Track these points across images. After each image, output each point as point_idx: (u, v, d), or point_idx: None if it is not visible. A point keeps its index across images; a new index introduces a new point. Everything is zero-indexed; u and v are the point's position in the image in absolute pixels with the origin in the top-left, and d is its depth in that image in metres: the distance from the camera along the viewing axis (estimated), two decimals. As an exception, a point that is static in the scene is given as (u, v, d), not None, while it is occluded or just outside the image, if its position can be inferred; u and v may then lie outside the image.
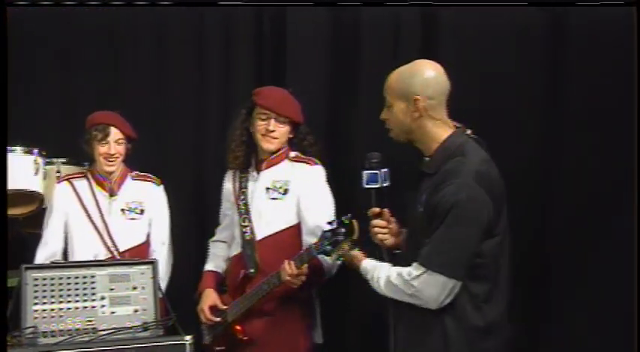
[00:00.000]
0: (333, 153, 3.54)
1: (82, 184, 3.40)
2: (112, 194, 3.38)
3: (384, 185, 2.52)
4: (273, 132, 3.13)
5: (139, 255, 3.26)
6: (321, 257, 2.84)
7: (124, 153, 3.37)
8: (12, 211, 3.49)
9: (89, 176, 3.43)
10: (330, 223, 2.73)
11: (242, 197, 3.23)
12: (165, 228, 3.46)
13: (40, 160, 3.51)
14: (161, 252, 3.40)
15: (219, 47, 3.98)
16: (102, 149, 3.31)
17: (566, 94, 3.28)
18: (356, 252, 2.57)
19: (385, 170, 2.53)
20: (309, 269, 2.92)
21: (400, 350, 2.43)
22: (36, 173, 3.48)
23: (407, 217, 2.47)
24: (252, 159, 3.25)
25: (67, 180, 3.43)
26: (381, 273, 2.40)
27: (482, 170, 2.29)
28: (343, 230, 2.67)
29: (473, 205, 2.23)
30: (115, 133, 3.31)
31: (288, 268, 2.90)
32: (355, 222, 2.67)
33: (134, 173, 3.46)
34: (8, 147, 3.37)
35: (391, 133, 2.45)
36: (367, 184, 2.53)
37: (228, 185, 3.33)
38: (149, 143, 3.84)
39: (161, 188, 3.48)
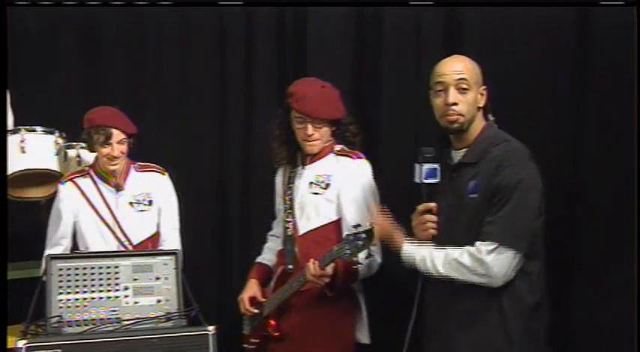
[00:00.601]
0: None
1: (86, 182, 3.31)
2: (118, 189, 3.30)
3: (433, 181, 2.53)
4: (312, 136, 3.04)
5: (153, 245, 3.26)
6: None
7: (127, 151, 3.28)
8: (31, 193, 3.48)
9: (92, 173, 3.33)
10: (355, 227, 2.71)
11: (289, 192, 3.17)
12: (175, 215, 3.41)
13: (61, 141, 3.46)
14: (174, 237, 3.37)
15: (240, 41, 3.91)
16: (104, 151, 3.21)
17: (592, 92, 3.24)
18: (398, 233, 2.55)
19: (433, 166, 2.53)
20: (342, 271, 2.87)
21: (450, 330, 2.44)
22: (57, 153, 3.44)
23: (440, 209, 2.51)
24: (299, 154, 3.17)
25: (70, 180, 3.33)
26: (435, 254, 2.41)
27: (530, 152, 2.41)
28: (364, 235, 2.65)
29: (535, 182, 2.35)
30: (116, 134, 3.20)
31: (312, 268, 2.86)
32: (376, 228, 2.64)
33: (137, 164, 3.37)
34: (22, 127, 3.35)
35: (456, 118, 2.44)
36: (426, 179, 2.52)
37: (279, 180, 3.26)
38: (169, 136, 3.84)
39: (166, 176, 3.40)
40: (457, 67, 2.44)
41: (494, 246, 2.31)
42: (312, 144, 3.06)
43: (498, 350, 2.35)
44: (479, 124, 2.49)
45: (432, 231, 2.52)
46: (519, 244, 2.32)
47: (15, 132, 3.40)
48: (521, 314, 2.36)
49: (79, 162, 3.50)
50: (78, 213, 3.29)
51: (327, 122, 3.05)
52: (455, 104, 2.42)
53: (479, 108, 2.47)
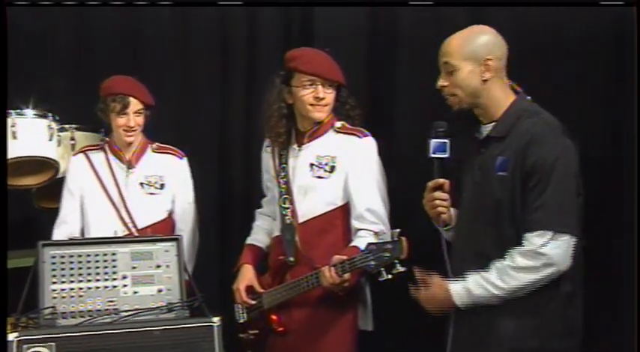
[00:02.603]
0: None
1: (98, 156, 3.23)
2: (130, 166, 3.21)
3: (445, 156, 2.41)
4: (324, 100, 2.86)
5: (159, 232, 3.06)
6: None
7: (143, 124, 3.19)
8: (24, 181, 3.32)
9: (106, 148, 3.25)
10: (377, 234, 2.60)
11: (282, 174, 2.97)
12: (191, 198, 3.30)
13: (54, 125, 3.30)
14: (189, 220, 3.26)
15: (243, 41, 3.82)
16: (120, 121, 3.13)
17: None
18: (436, 281, 2.34)
19: (444, 141, 2.41)
20: (354, 273, 2.71)
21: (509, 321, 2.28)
22: (50, 139, 3.27)
23: (466, 185, 2.39)
24: (293, 131, 2.98)
25: (82, 152, 3.26)
26: (484, 274, 2.26)
27: (563, 126, 2.29)
28: (391, 246, 2.50)
29: (571, 159, 2.24)
30: (134, 104, 3.12)
31: (329, 276, 2.68)
32: (405, 241, 2.50)
33: (155, 145, 3.28)
34: (13, 111, 3.19)
35: (452, 100, 2.38)
36: (434, 153, 2.41)
37: (268, 157, 3.07)
38: (171, 115, 3.70)
39: (184, 161, 3.30)
40: (443, 49, 2.37)
41: (549, 235, 2.19)
42: (321, 110, 2.89)
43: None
44: (505, 96, 2.36)
45: (441, 209, 2.41)
46: (572, 227, 2.21)
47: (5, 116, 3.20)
48: (577, 297, 2.29)
49: (74, 146, 3.36)
50: (84, 188, 3.18)
51: (334, 86, 2.90)
52: (443, 87, 2.38)
53: (484, 81, 2.32)
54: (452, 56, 2.33)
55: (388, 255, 2.51)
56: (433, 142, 2.41)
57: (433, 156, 2.40)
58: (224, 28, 3.83)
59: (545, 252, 2.19)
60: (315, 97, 2.85)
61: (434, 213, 2.42)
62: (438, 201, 2.41)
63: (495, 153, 2.31)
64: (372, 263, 2.54)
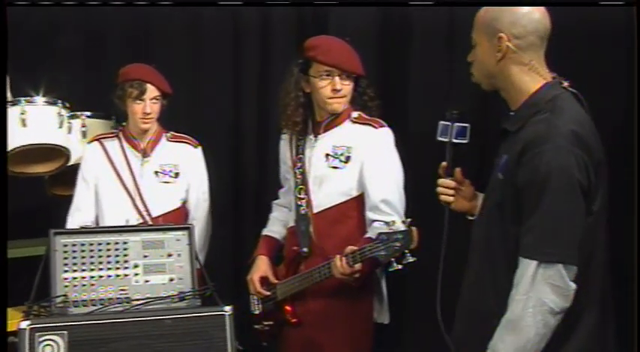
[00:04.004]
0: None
1: (113, 145, 3.22)
2: (144, 155, 3.20)
3: (459, 141, 2.24)
4: (341, 92, 2.80)
5: (173, 221, 3.09)
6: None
7: (159, 111, 3.17)
8: (35, 169, 3.31)
9: (121, 136, 3.24)
10: (387, 224, 2.53)
11: (299, 164, 2.93)
12: (206, 188, 3.28)
13: (64, 112, 3.27)
14: (203, 209, 3.24)
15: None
16: (137, 107, 3.11)
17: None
18: None
19: (462, 125, 2.24)
20: (368, 262, 2.65)
21: None
22: (60, 126, 3.24)
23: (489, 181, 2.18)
24: (309, 121, 2.93)
25: (97, 140, 3.25)
26: (502, 323, 1.95)
27: (577, 130, 1.91)
28: (400, 236, 2.45)
29: (576, 171, 1.87)
30: (151, 90, 3.10)
31: (340, 266, 2.64)
32: (415, 230, 2.45)
33: (170, 134, 3.27)
34: (22, 99, 3.16)
35: (473, 78, 2.14)
36: (439, 137, 2.26)
37: (285, 147, 3.03)
38: (183, 103, 3.66)
39: (199, 150, 3.28)
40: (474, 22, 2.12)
41: (535, 263, 1.88)
42: (339, 102, 2.83)
43: None
44: (529, 82, 2.03)
45: (445, 197, 2.26)
46: (562, 255, 1.88)
47: (14, 103, 3.19)
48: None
49: (85, 133, 3.35)
50: (99, 176, 3.17)
51: (353, 77, 2.83)
52: (471, 62, 2.15)
53: (499, 60, 2.03)
54: (474, 29, 2.10)
55: (399, 244, 2.46)
56: (440, 124, 2.25)
57: (438, 139, 2.25)
58: (237, 17, 3.79)
59: (540, 281, 1.88)
60: (333, 89, 2.80)
61: (442, 200, 2.27)
62: (440, 188, 2.27)
63: (504, 149, 2.07)
64: (383, 252, 2.50)
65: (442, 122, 2.26)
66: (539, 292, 1.88)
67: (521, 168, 1.93)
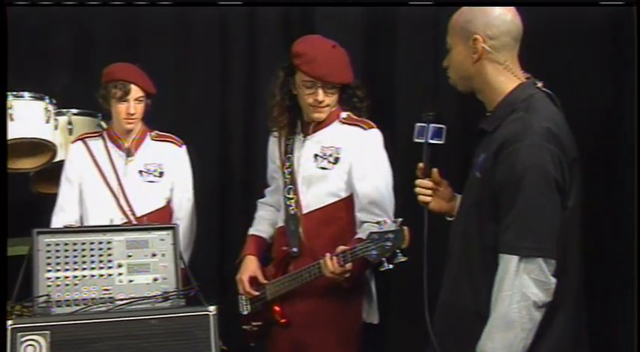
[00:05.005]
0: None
1: (97, 144, 3.21)
2: (129, 154, 3.18)
3: (435, 142, 2.25)
4: (323, 102, 2.79)
5: (157, 220, 3.07)
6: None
7: (143, 111, 3.16)
8: (21, 164, 3.29)
9: (105, 135, 3.23)
10: (378, 224, 2.52)
11: (287, 164, 2.92)
12: (189, 187, 3.27)
13: (51, 108, 3.26)
14: (188, 208, 3.23)
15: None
16: (121, 107, 3.10)
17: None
18: None
19: (438, 126, 2.25)
20: (359, 262, 2.65)
21: None
22: (47, 121, 3.23)
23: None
24: (298, 121, 2.93)
25: (81, 139, 3.24)
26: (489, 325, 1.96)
27: (551, 128, 1.95)
28: (391, 235, 2.44)
29: (551, 167, 1.91)
30: (135, 91, 3.09)
31: (330, 265, 2.64)
32: (406, 229, 2.44)
33: (154, 133, 3.26)
34: (9, 93, 3.14)
35: (450, 81, 2.17)
36: (416, 138, 2.27)
37: (273, 146, 3.02)
38: (170, 102, 3.66)
39: (183, 149, 3.27)
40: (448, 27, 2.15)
41: (516, 258, 1.91)
42: (321, 111, 2.83)
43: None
44: (504, 82, 2.06)
45: (423, 198, 2.27)
46: (543, 249, 1.91)
47: None
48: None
49: (71, 131, 3.34)
50: (83, 176, 3.16)
51: (338, 87, 2.82)
52: (446, 67, 2.17)
53: (475, 61, 2.06)
54: (448, 33, 2.14)
55: (390, 244, 2.45)
56: (416, 125, 2.26)
57: (415, 140, 2.26)
58: (223, 16, 3.78)
59: (523, 278, 1.90)
60: (315, 99, 2.79)
61: (419, 201, 2.28)
62: (418, 189, 2.28)
63: (481, 149, 2.09)
64: (374, 252, 2.49)
65: (418, 124, 2.28)
66: (522, 287, 1.91)
67: (498, 166, 1.96)
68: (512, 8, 2.11)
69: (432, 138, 2.25)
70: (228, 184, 3.76)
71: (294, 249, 2.87)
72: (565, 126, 2.04)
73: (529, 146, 1.92)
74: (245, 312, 3.04)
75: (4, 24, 2.93)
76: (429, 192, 2.28)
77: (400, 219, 2.51)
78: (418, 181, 2.28)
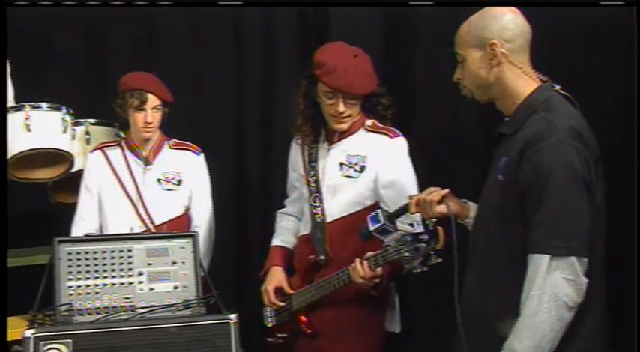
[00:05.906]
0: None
1: (115, 153, 3.23)
2: (147, 163, 3.20)
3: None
4: (344, 113, 2.77)
5: (176, 228, 3.09)
6: None
7: (160, 120, 3.17)
8: (38, 175, 3.30)
9: (123, 144, 3.25)
10: (411, 225, 2.47)
11: (312, 172, 2.90)
12: (208, 195, 3.28)
13: (68, 118, 3.27)
14: (206, 216, 3.24)
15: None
16: (138, 116, 3.12)
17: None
18: None
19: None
20: (389, 268, 2.62)
21: None
22: (64, 131, 3.24)
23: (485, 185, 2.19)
24: (322, 129, 2.91)
25: (99, 148, 3.26)
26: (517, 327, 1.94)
27: (575, 126, 1.95)
28: (427, 237, 2.39)
29: (577, 165, 1.89)
30: (152, 100, 3.11)
31: (361, 269, 2.61)
32: (441, 230, 2.38)
33: (172, 141, 3.27)
34: (27, 104, 3.16)
35: (465, 91, 2.17)
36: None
37: (296, 154, 3.00)
38: (187, 109, 3.67)
39: (201, 157, 3.29)
40: (455, 39, 2.15)
41: (547, 257, 1.88)
42: (342, 122, 2.81)
43: None
44: (522, 86, 2.06)
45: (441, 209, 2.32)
46: (574, 247, 1.89)
47: (19, 109, 3.19)
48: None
49: (88, 140, 3.35)
50: (102, 185, 3.17)
51: (360, 97, 2.80)
52: (459, 79, 2.18)
53: (493, 67, 2.06)
54: (459, 45, 2.13)
55: (424, 245, 2.39)
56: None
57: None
58: (238, 21, 3.79)
59: (554, 278, 1.88)
60: (336, 110, 2.77)
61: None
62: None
63: (502, 152, 2.07)
64: (407, 254, 2.42)
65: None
66: (553, 287, 1.88)
67: (523, 166, 1.94)
68: (518, 12, 2.12)
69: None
70: (246, 191, 3.75)
71: (322, 257, 2.85)
72: (586, 124, 2.04)
73: (554, 144, 1.91)
74: (270, 324, 3.01)
75: (4, 24, 2.95)
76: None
77: (434, 220, 2.43)
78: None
